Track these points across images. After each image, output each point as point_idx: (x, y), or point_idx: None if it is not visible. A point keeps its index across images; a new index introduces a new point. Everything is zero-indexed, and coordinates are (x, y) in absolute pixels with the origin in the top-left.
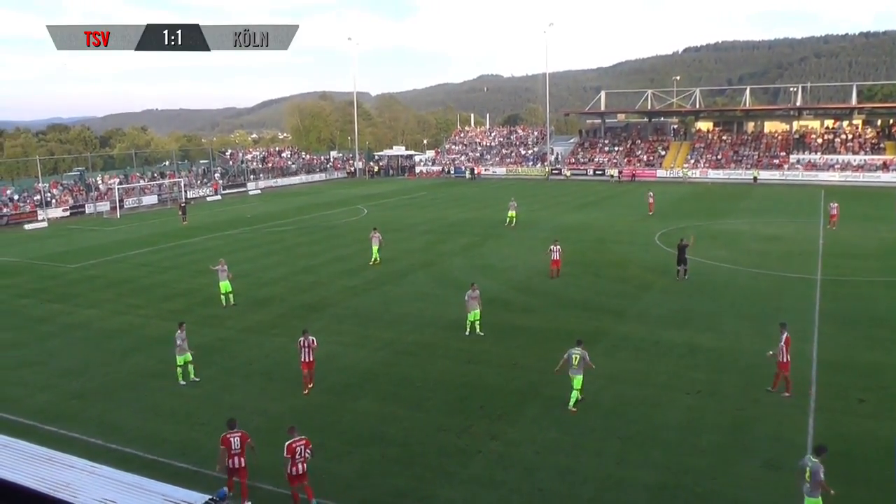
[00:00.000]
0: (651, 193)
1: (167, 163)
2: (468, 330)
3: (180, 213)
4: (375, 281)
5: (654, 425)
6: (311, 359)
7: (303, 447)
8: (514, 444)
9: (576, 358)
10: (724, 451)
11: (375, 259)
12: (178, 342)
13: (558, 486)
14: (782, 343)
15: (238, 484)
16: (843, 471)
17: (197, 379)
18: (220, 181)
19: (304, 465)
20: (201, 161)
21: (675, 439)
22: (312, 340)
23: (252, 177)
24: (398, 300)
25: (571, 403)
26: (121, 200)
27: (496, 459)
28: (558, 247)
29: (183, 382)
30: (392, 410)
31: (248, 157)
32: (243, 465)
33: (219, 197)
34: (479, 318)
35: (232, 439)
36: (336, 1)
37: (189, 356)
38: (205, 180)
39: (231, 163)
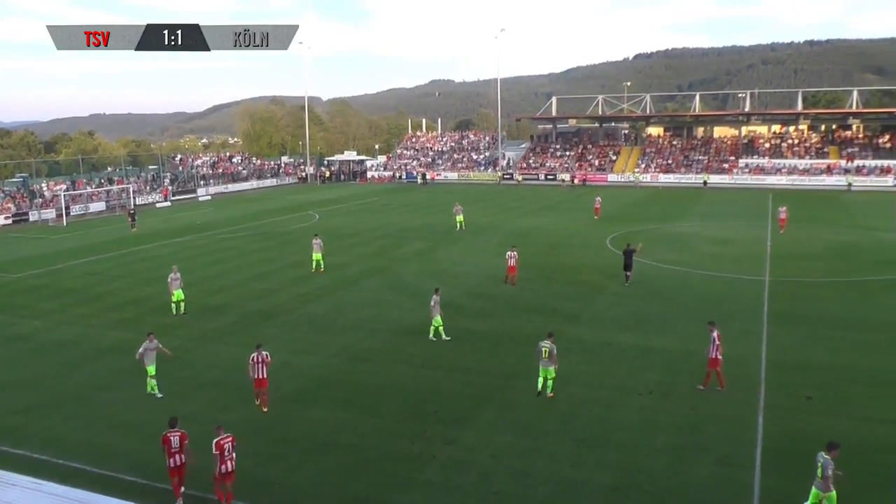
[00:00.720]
0: (598, 198)
1: (115, 168)
2: (432, 334)
3: (129, 220)
4: (328, 287)
5: (609, 427)
6: (264, 375)
7: (230, 445)
8: (470, 449)
9: (545, 350)
10: (677, 450)
11: (319, 266)
12: (144, 351)
13: (514, 489)
14: (717, 341)
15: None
16: (792, 467)
17: (160, 395)
18: (170, 187)
19: (232, 463)
20: (150, 167)
21: (630, 440)
22: (266, 356)
23: (202, 182)
24: (351, 306)
25: (549, 389)
26: (67, 207)
27: (452, 464)
28: (515, 253)
29: (160, 395)
30: (346, 417)
31: (199, 162)
32: (182, 462)
33: (168, 203)
34: (441, 323)
35: (172, 438)
36: (292, 5)
37: (153, 369)
38: (154, 186)
39: (181, 168)
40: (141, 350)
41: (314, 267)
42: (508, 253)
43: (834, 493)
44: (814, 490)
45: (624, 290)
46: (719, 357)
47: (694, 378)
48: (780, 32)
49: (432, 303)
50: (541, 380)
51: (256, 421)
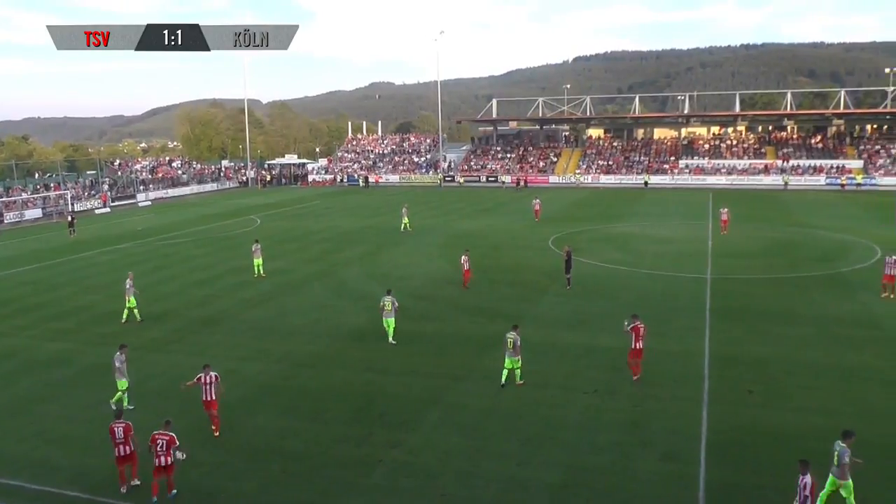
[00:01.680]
0: (537, 200)
1: (51, 174)
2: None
3: (69, 226)
4: (271, 292)
5: (554, 426)
6: (213, 397)
7: (164, 443)
8: (416, 452)
9: (510, 341)
10: (623, 447)
11: (259, 272)
12: (118, 364)
13: (461, 490)
14: (629, 329)
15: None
16: (736, 459)
17: (131, 407)
18: (110, 193)
19: (167, 458)
20: (89, 172)
21: (575, 438)
22: (215, 377)
23: (142, 188)
24: (295, 311)
25: (518, 378)
26: (1, 214)
27: (398, 467)
28: (468, 257)
29: (131, 406)
30: (291, 424)
31: (138, 167)
32: (128, 452)
33: (108, 209)
34: (392, 325)
35: (116, 429)
36: (228, 5)
37: (126, 382)
38: (93, 192)
39: (120, 173)
40: (118, 364)
41: (256, 273)
42: (463, 256)
43: (850, 481)
44: (831, 477)
45: (567, 291)
46: (638, 348)
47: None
48: (718, 36)
49: (397, 305)
50: (505, 371)
51: (200, 430)
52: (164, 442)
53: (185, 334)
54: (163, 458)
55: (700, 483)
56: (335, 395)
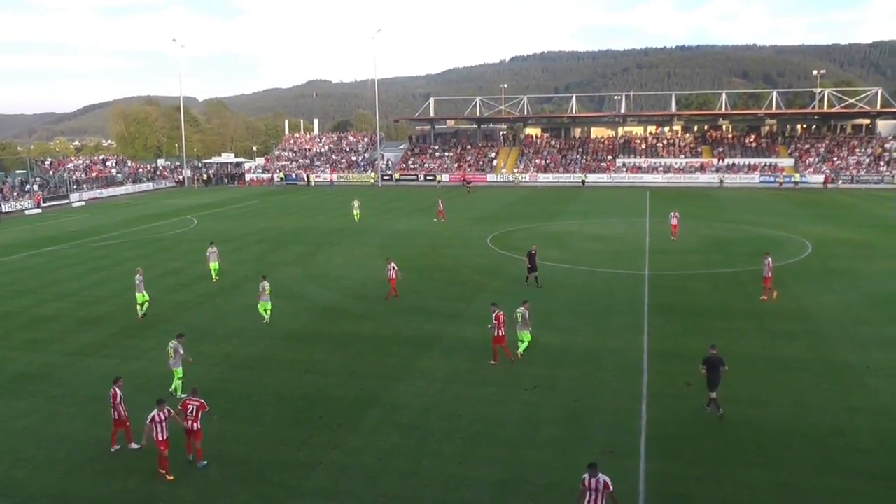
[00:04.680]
0: (441, 200)
1: None
2: (268, 318)
3: None
4: (208, 294)
5: (495, 423)
6: (166, 436)
7: (194, 408)
8: (356, 453)
9: (519, 315)
10: (563, 442)
11: (214, 277)
12: (181, 352)
13: (402, 490)
14: (493, 320)
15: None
16: (675, 451)
17: (183, 395)
18: (41, 193)
19: (194, 423)
20: (17, 171)
21: (516, 435)
22: (169, 412)
23: (75, 188)
24: (232, 313)
25: (520, 350)
26: None
27: (338, 469)
28: (393, 265)
29: (182, 395)
30: (230, 428)
31: (71, 166)
32: (117, 417)
33: (39, 210)
34: (268, 308)
35: (113, 392)
36: (161, 0)
37: (181, 371)
38: (22, 192)
39: (52, 173)
40: (182, 352)
41: (213, 277)
42: (388, 265)
43: None
44: None
45: (506, 289)
46: (500, 335)
47: (578, 371)
48: (653, 38)
49: (260, 289)
50: (519, 343)
51: (137, 436)
52: (193, 408)
53: (121, 339)
54: (191, 424)
55: (640, 475)
56: (274, 397)
